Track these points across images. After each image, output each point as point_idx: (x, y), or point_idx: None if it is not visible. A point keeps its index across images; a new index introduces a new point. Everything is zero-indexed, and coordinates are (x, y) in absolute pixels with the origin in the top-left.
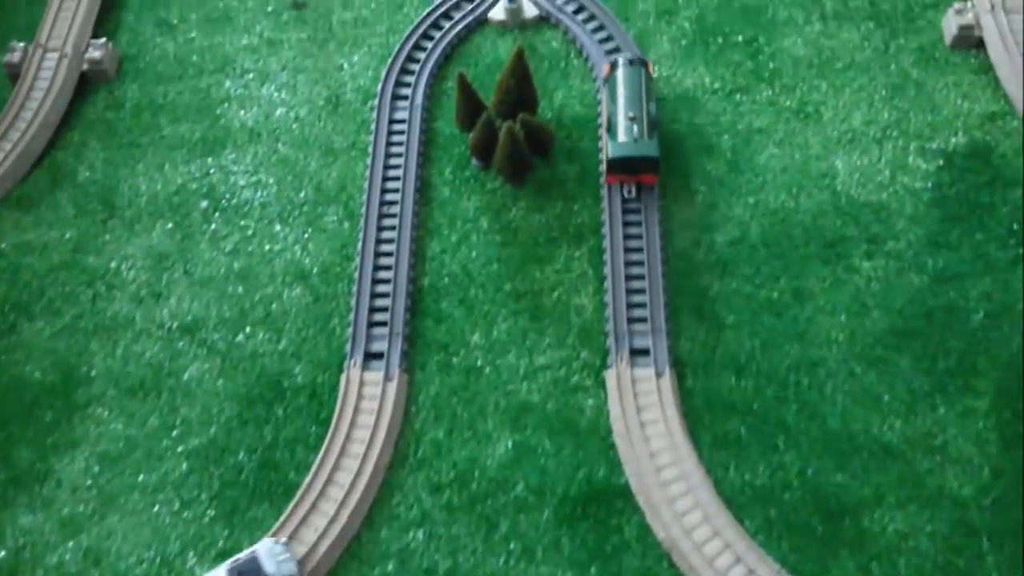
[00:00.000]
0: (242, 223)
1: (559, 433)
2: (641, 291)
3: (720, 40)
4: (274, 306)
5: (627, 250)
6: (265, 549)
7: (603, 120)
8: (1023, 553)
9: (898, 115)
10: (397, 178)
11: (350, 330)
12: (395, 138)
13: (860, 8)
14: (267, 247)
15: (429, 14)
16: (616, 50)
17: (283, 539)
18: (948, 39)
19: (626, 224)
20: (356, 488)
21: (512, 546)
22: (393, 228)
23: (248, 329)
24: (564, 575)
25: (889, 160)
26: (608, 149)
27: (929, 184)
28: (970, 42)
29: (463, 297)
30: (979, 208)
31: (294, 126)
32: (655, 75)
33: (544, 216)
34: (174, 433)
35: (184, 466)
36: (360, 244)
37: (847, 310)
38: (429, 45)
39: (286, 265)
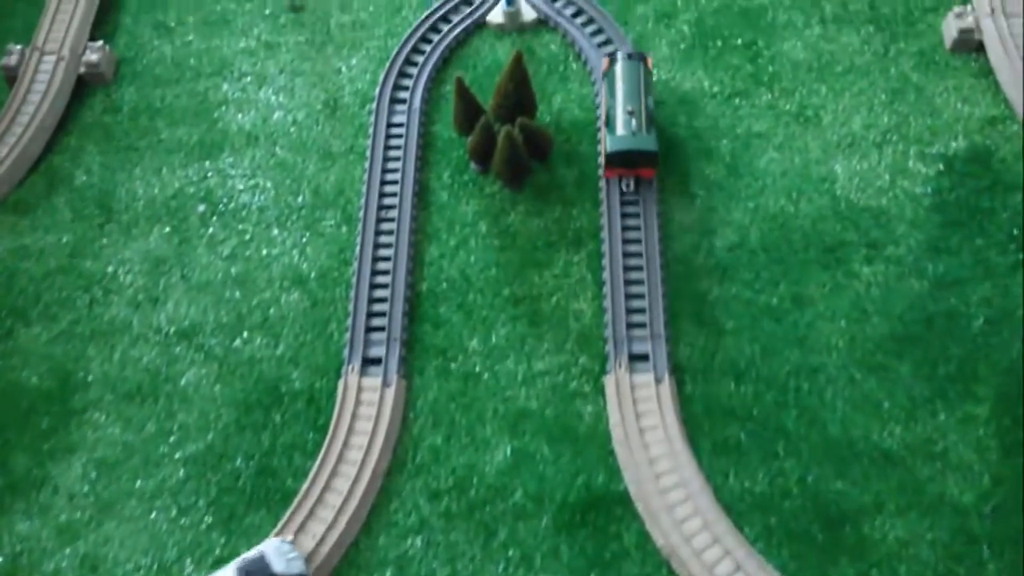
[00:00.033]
0: (240, 227)
1: (558, 439)
2: (640, 296)
3: (719, 44)
4: (272, 311)
5: (626, 255)
6: (272, 548)
7: (601, 114)
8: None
9: (898, 119)
10: (395, 182)
11: (348, 335)
12: (393, 142)
13: (860, 12)
14: (265, 251)
15: (427, 17)
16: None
17: (288, 537)
18: (948, 43)
19: (625, 229)
20: (354, 495)
21: (511, 553)
22: (391, 232)
23: (245, 334)
24: None
25: (889, 164)
26: (607, 143)
27: (929, 189)
28: (970, 46)
29: (461, 302)
30: (979, 213)
31: (292, 130)
32: (655, 78)
33: (543, 220)
34: (171, 439)
35: (181, 472)
36: (358, 248)
37: (847, 316)
38: (427, 48)
39: (284, 270)
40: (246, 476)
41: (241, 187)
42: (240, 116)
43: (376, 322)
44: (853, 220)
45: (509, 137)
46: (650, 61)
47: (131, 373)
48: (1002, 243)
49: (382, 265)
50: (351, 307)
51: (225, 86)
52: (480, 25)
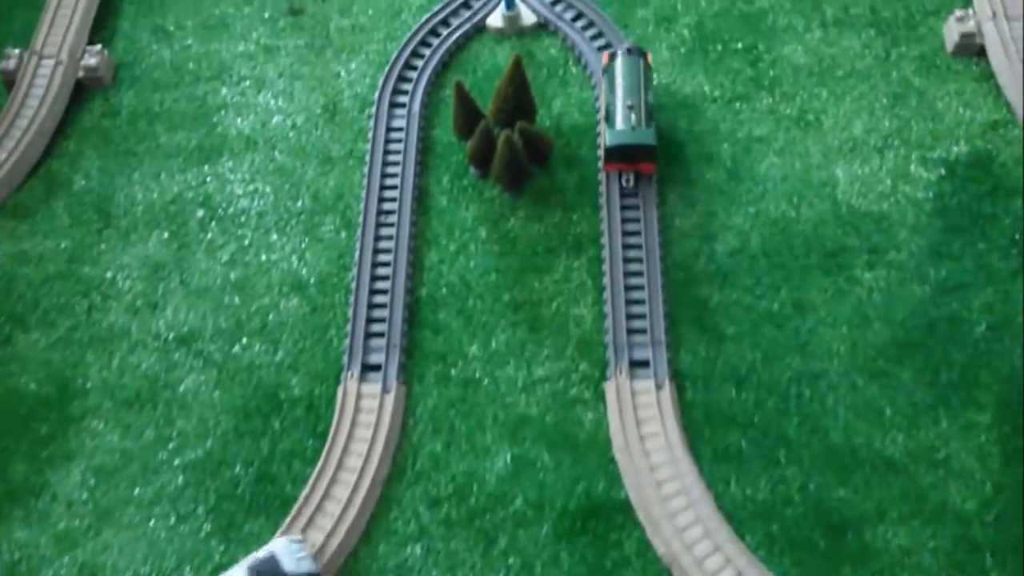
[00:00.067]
0: (239, 232)
1: (558, 446)
2: (641, 302)
3: (720, 47)
4: (271, 317)
5: (626, 260)
6: (282, 548)
7: (601, 110)
8: None
9: (899, 123)
10: (395, 187)
11: (347, 341)
12: (393, 146)
13: (861, 15)
14: (264, 257)
15: (427, 21)
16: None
17: (296, 536)
18: (950, 47)
19: (625, 234)
20: (353, 502)
21: (511, 561)
22: (391, 238)
23: (244, 340)
24: None
25: (890, 169)
26: (606, 137)
27: (931, 194)
28: (972, 50)
29: (461, 308)
30: (981, 218)
31: (291, 134)
32: (655, 83)
33: (543, 225)
34: (170, 446)
35: (180, 479)
36: (357, 254)
37: (848, 322)
38: (427, 52)
39: (283, 275)
40: (245, 483)
41: (240, 192)
42: (239, 120)
43: (375, 328)
44: (854, 225)
45: (509, 142)
46: (650, 57)
47: (130, 380)
48: (1004, 248)
49: (381, 271)
50: (350, 313)
51: (224, 90)
52: (480, 29)
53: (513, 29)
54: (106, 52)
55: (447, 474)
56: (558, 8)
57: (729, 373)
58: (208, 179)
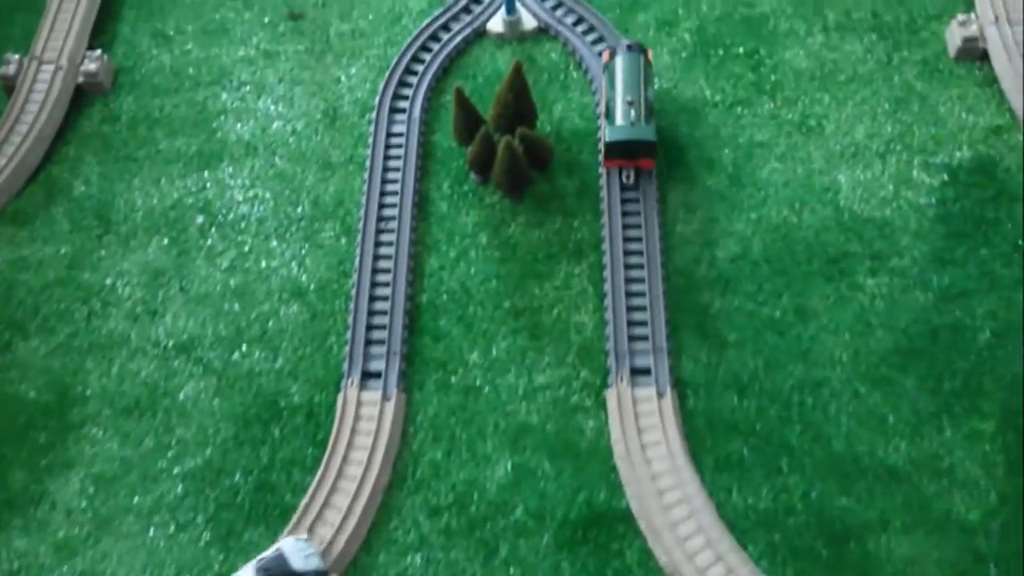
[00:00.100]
0: (239, 239)
1: (559, 455)
2: (642, 309)
3: (721, 52)
4: (271, 324)
5: (627, 266)
6: (289, 546)
7: (601, 106)
8: None
9: (901, 129)
10: (395, 193)
11: (347, 348)
12: (393, 152)
13: (863, 20)
14: (264, 263)
15: (427, 26)
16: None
17: (303, 535)
18: (952, 51)
19: (626, 240)
20: (354, 511)
21: (512, 571)
22: (391, 244)
23: (244, 347)
24: None
25: (892, 175)
26: (606, 133)
27: (933, 199)
28: (974, 54)
29: (462, 314)
30: (984, 224)
31: (291, 140)
32: (656, 87)
33: (543, 231)
34: (169, 454)
35: (180, 488)
36: (357, 260)
37: (851, 329)
38: (427, 57)
39: (283, 282)
40: (245, 492)
41: (240, 198)
42: (239, 126)
43: (376, 335)
44: (856, 231)
45: (509, 147)
46: (650, 53)
47: (129, 387)
48: (1007, 254)
49: (382, 277)
50: (350, 320)
51: (224, 95)
52: (480, 34)
53: (514, 34)
54: (106, 57)
55: (447, 483)
56: (559, 13)
57: (731, 380)
58: (208, 185)
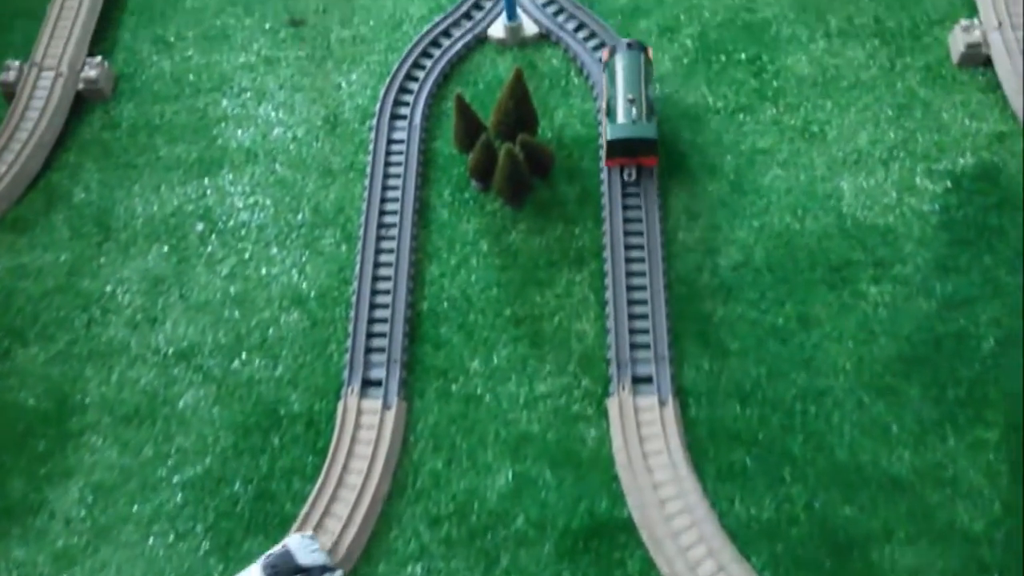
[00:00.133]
0: (239, 246)
1: (560, 464)
2: (643, 317)
3: (723, 58)
4: (271, 331)
5: (629, 274)
6: (295, 542)
7: (602, 104)
8: None
9: (905, 135)
10: (396, 200)
11: (348, 356)
12: (393, 159)
13: (865, 25)
14: (264, 271)
15: (428, 32)
16: None
17: (309, 532)
18: (955, 57)
19: (628, 247)
20: (354, 520)
21: None
22: (391, 251)
23: (244, 355)
24: None
25: (896, 181)
26: (607, 132)
27: (937, 206)
28: (978, 60)
29: (462, 322)
30: (988, 231)
31: (291, 146)
32: (658, 93)
33: (544, 239)
34: (169, 462)
35: (179, 497)
36: (358, 267)
37: (854, 337)
38: (428, 64)
39: (283, 289)
40: (244, 501)
41: (240, 205)
42: (239, 132)
43: (376, 343)
44: (860, 238)
45: (510, 154)
46: (651, 51)
47: (129, 395)
48: (1011, 262)
49: (382, 284)
50: (351, 327)
51: (224, 102)
52: (481, 40)
53: (515, 40)
54: (106, 64)
55: (448, 492)
56: (560, 18)
57: (733, 389)
58: (208, 192)
